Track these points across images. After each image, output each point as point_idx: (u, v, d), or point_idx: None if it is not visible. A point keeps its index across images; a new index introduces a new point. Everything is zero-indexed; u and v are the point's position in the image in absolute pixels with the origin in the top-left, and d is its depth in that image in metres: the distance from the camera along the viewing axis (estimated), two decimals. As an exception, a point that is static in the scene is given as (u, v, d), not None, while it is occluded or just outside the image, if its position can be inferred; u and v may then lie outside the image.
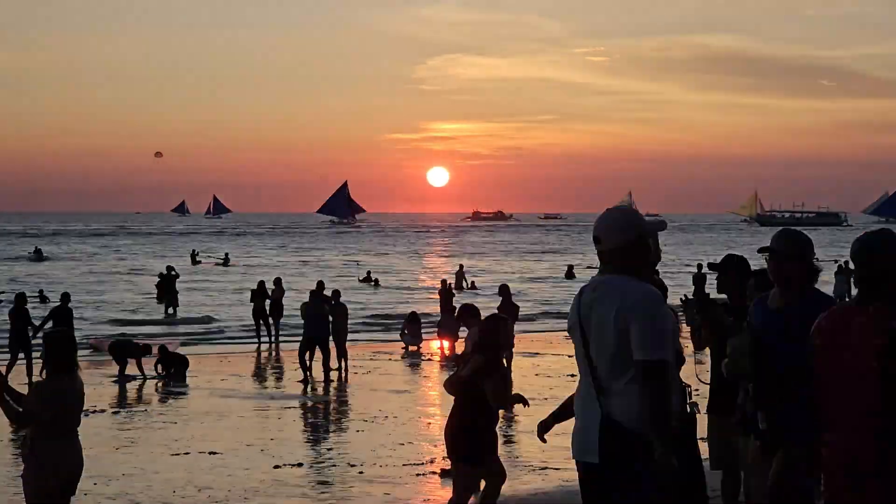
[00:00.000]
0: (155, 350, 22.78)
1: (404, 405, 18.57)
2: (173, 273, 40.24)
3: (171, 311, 38.94)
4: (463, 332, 27.72)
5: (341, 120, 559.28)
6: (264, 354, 27.39)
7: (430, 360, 25.62)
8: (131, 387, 20.91)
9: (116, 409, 18.09)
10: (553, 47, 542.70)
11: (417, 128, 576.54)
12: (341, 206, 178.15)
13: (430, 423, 16.80)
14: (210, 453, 14.05)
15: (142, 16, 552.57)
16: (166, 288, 40.38)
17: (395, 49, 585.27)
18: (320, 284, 24.36)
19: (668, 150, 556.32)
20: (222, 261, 71.97)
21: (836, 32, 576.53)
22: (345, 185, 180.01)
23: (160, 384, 21.24)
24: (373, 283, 53.18)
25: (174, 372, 21.90)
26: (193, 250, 78.60)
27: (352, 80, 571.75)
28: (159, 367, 22.04)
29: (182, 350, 24.73)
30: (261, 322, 29.37)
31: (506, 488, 12.15)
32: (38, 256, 77.12)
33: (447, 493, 12.06)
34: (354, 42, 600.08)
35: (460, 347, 26.78)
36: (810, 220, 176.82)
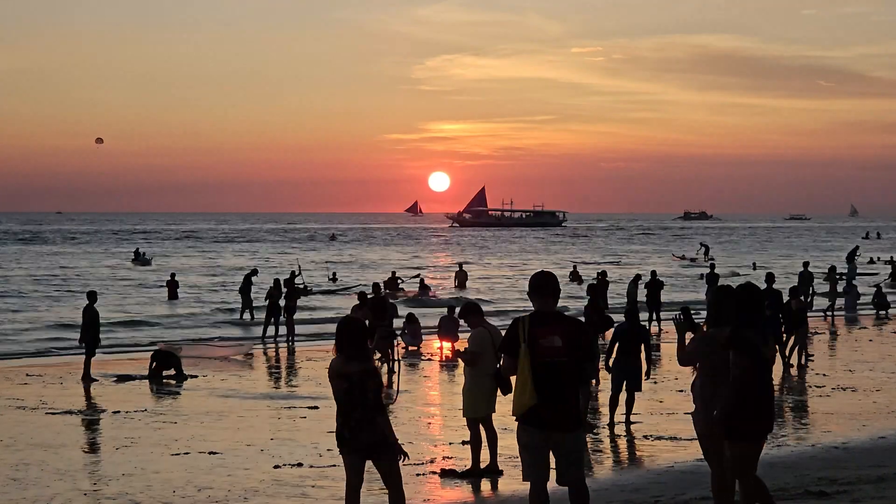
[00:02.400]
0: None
1: (404, 405, 18.57)
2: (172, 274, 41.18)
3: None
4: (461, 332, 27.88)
5: (341, 120, 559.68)
6: (266, 354, 27.36)
7: (429, 359, 25.62)
8: (131, 386, 20.91)
9: (116, 409, 18.08)
10: (552, 48, 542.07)
11: (416, 128, 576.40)
12: (481, 207, 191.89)
13: (430, 423, 16.81)
14: (210, 453, 14.05)
15: (140, 17, 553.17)
16: (170, 289, 41.99)
17: (394, 49, 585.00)
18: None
19: (666, 150, 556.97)
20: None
21: (834, 32, 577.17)
22: (483, 189, 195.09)
23: (174, 382, 21.24)
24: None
25: (176, 373, 21.88)
26: (137, 249, 78.60)
27: (351, 80, 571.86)
28: (154, 366, 21.81)
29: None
30: (271, 319, 29.58)
31: (507, 488, 12.18)
32: (140, 259, 71.71)
33: (447, 492, 12.09)
34: (353, 42, 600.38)
35: (460, 347, 26.83)
36: (516, 220, 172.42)
